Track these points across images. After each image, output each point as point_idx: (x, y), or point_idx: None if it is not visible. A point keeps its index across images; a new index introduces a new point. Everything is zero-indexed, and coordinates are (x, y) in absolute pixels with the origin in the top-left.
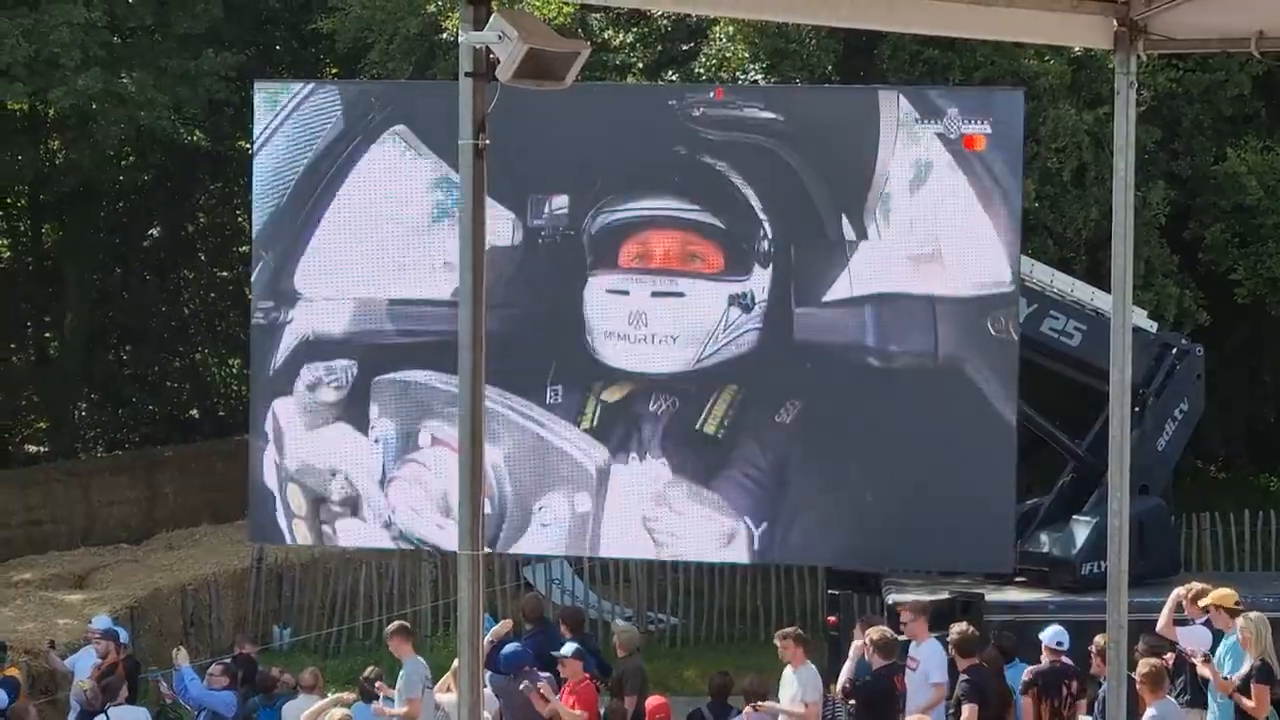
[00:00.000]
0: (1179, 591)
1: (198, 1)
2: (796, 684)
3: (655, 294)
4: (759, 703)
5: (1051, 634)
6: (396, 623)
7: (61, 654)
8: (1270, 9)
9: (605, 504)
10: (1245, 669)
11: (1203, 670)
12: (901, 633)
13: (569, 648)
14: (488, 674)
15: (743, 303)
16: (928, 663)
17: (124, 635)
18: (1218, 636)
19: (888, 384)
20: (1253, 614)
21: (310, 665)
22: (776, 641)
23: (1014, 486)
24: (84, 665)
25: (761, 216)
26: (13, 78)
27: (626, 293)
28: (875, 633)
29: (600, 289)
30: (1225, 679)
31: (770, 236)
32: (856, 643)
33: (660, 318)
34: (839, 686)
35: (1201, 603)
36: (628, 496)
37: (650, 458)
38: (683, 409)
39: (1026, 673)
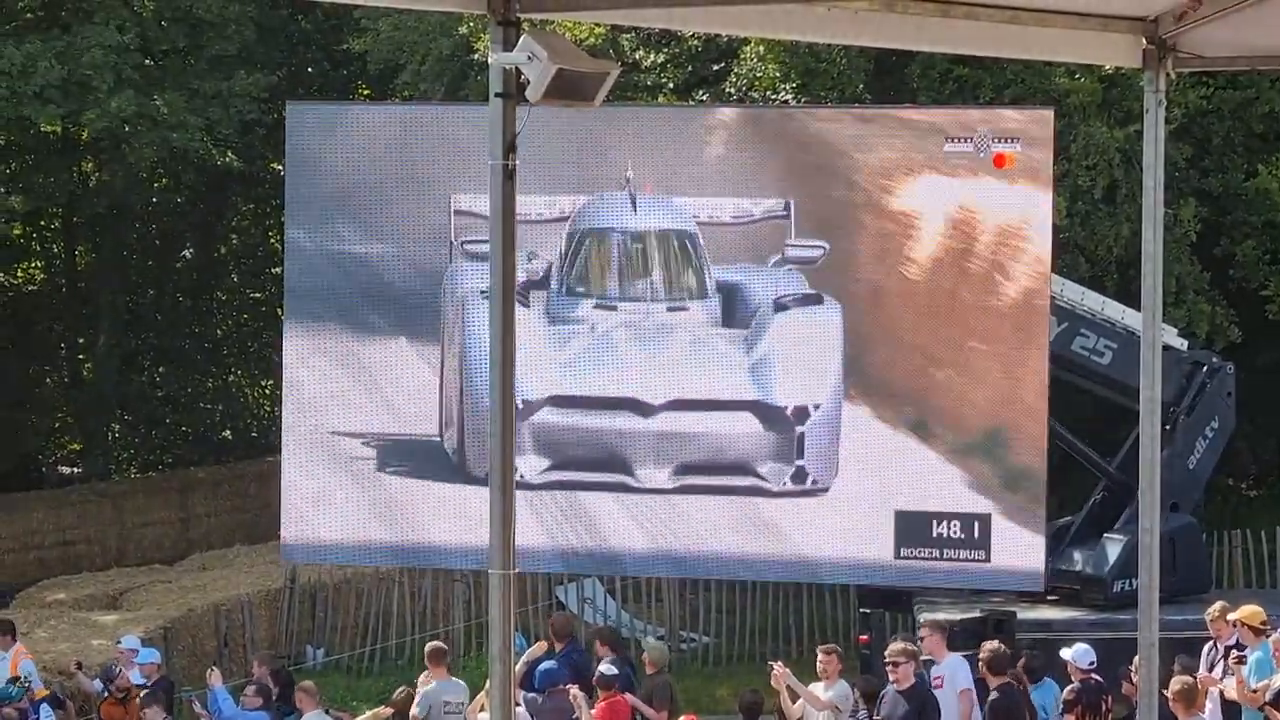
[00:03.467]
0: None
1: (229, 23)
2: (829, 698)
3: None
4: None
5: (1081, 653)
6: (435, 644)
7: (90, 674)
8: None
9: (632, 522)
10: (1278, 682)
11: (1231, 688)
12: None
13: (610, 668)
14: (521, 693)
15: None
16: (953, 675)
17: (157, 655)
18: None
19: (919, 401)
20: None
21: (343, 684)
22: (819, 653)
23: (1045, 504)
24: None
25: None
26: (46, 100)
27: (614, 308)
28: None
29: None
30: (1253, 691)
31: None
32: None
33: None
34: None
35: (1230, 617)
36: (654, 516)
37: (678, 477)
38: (699, 424)
39: (1067, 692)
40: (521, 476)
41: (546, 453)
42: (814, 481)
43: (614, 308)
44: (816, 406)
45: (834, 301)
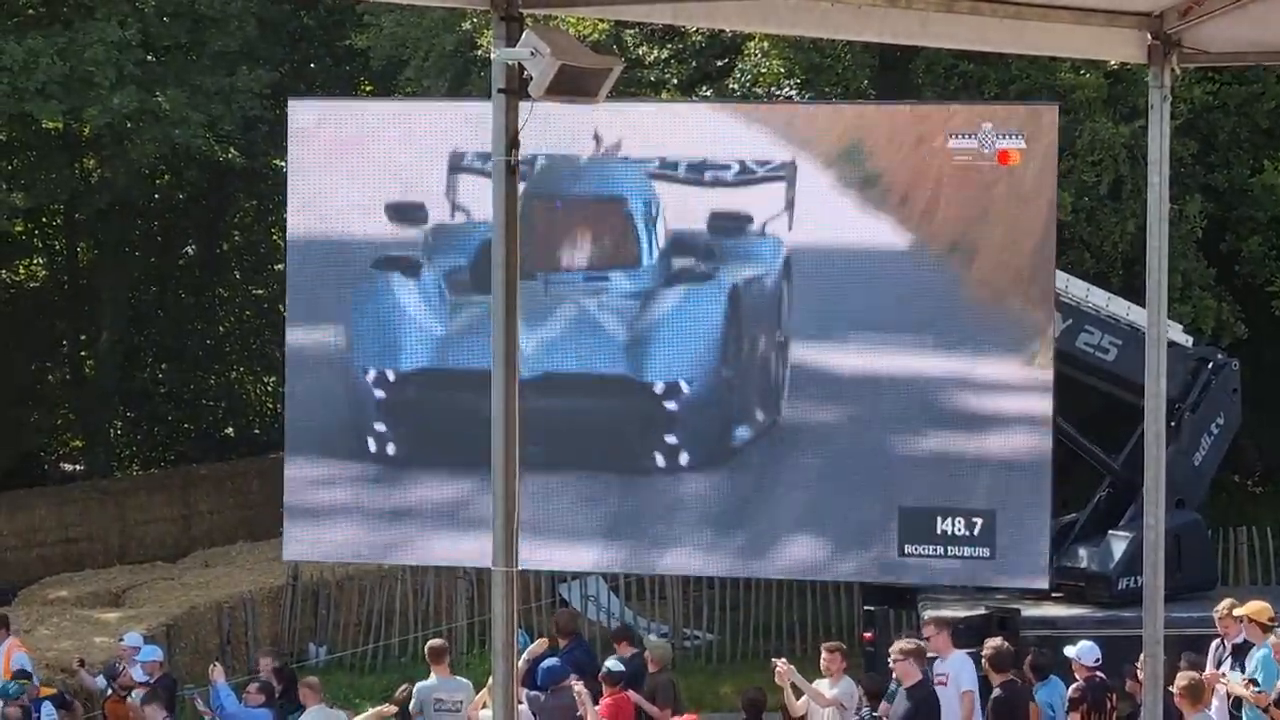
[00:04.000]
0: None
1: (232, 19)
2: (834, 695)
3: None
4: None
5: (1086, 650)
6: (434, 641)
7: (93, 671)
8: None
9: (648, 515)
10: None
11: (1236, 684)
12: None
13: (617, 664)
14: (525, 691)
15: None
16: (957, 675)
17: (160, 653)
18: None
19: (922, 396)
20: None
21: (346, 681)
22: (823, 651)
23: (1050, 501)
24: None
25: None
26: (48, 96)
27: (533, 277)
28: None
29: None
30: (1260, 692)
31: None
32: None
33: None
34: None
35: (1236, 613)
36: (673, 511)
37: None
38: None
39: (1073, 690)
40: (389, 452)
41: (408, 427)
42: (689, 461)
43: (532, 277)
44: (690, 383)
45: (725, 281)
